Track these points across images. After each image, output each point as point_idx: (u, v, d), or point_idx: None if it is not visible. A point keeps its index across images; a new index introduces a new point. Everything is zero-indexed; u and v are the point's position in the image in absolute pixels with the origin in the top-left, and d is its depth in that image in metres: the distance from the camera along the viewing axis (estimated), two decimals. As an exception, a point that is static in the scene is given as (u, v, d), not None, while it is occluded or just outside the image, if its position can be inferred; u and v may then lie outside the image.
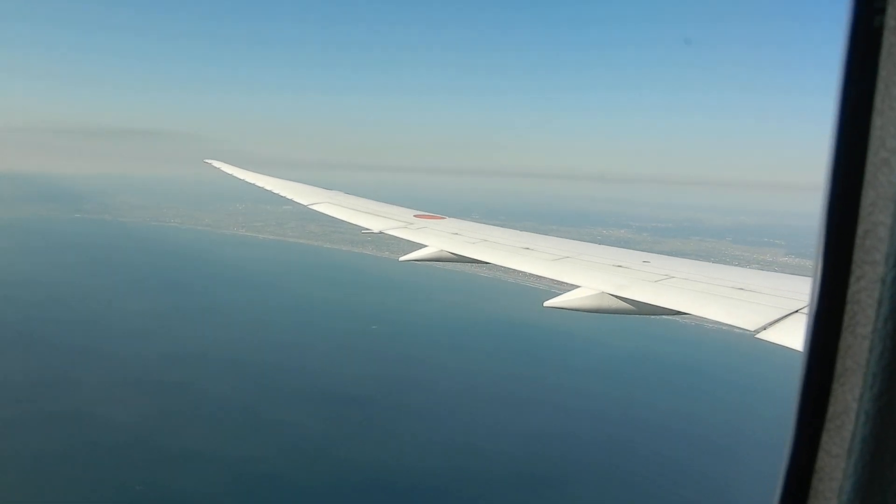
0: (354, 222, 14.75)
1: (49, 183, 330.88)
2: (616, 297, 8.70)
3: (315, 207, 16.48)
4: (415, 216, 14.94)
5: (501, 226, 15.24)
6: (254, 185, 19.52)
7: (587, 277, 9.45)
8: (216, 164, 22.09)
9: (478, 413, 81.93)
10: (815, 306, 1.62)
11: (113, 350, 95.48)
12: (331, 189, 18.69)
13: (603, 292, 8.81)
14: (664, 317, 8.82)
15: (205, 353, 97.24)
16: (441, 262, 12.07)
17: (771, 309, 7.30)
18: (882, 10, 1.34)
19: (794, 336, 6.45)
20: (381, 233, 13.56)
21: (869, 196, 1.45)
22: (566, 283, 9.49)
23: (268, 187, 18.92)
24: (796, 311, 7.07)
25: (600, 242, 12.68)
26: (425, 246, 12.31)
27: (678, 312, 8.10)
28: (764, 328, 6.73)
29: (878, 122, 1.43)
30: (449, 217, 14.91)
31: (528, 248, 11.67)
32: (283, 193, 18.16)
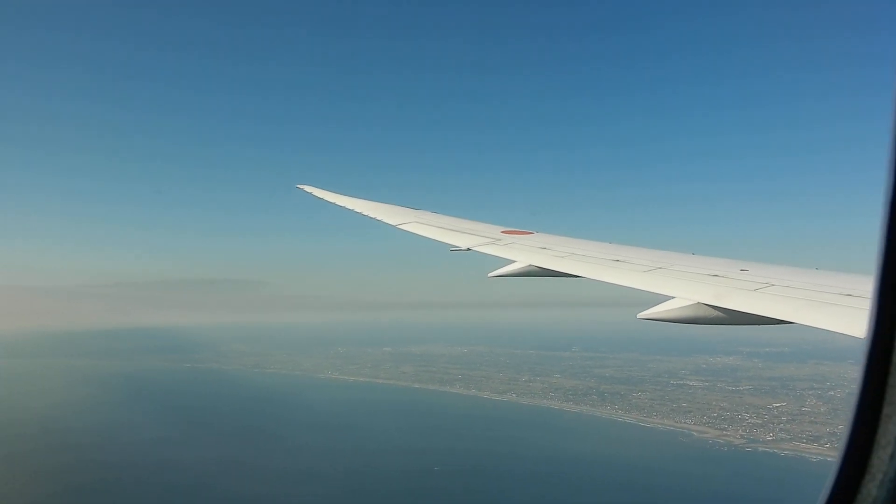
0: (442, 240, 14.63)
1: (170, 335, 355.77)
2: (712, 307, 8.26)
3: (404, 227, 16.30)
4: (502, 232, 14.62)
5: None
6: (344, 207, 19.82)
7: (682, 288, 9.08)
8: (308, 188, 22.85)
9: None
10: (876, 308, 1.61)
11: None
12: (419, 209, 18.55)
13: (699, 302, 8.41)
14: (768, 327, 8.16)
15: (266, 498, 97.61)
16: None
17: None
18: None
19: None
20: (468, 249, 13.37)
21: None
22: (660, 294, 9.10)
23: (357, 209, 19.12)
24: None
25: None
26: (514, 262, 12.04)
27: (780, 321, 7.61)
28: None
29: None
30: (537, 232, 14.45)
31: (618, 261, 11.18)
32: (372, 215, 18.20)
